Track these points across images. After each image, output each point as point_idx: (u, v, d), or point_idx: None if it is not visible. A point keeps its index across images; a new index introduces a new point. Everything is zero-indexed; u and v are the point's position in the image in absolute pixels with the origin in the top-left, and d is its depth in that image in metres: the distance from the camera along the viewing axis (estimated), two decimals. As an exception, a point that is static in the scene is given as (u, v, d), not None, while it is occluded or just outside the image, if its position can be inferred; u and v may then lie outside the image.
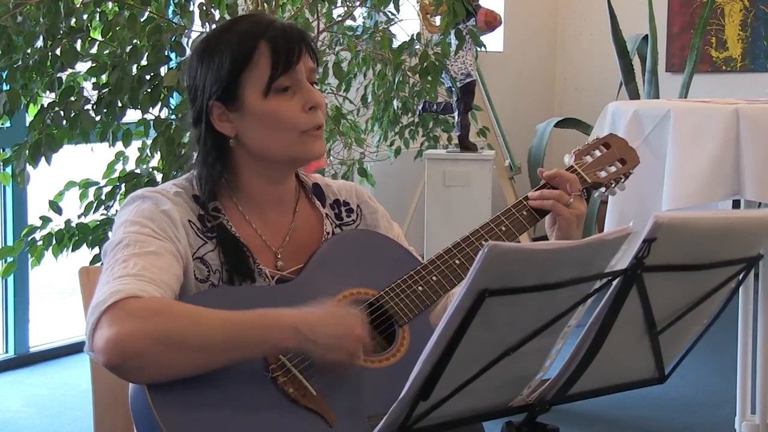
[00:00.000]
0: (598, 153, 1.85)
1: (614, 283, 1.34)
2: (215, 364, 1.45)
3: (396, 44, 3.69)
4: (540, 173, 1.80)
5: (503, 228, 1.73)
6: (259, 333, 1.46)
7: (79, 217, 3.01)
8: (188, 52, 2.88)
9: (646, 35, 5.62)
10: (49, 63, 2.87)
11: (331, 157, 4.11)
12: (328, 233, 1.74)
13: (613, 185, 1.85)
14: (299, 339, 1.47)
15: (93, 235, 2.97)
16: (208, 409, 1.44)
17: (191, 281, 1.61)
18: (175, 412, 1.42)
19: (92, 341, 1.44)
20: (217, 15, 3.07)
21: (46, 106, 2.89)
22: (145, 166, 3.06)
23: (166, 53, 2.89)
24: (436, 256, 1.68)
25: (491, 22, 4.72)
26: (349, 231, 1.78)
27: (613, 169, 1.85)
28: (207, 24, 2.99)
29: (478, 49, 4.27)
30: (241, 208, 1.69)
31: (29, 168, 2.90)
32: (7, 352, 4.32)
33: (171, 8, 3.08)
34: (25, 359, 4.34)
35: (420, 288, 1.64)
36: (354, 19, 3.76)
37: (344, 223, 1.79)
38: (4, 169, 3.14)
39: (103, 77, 2.93)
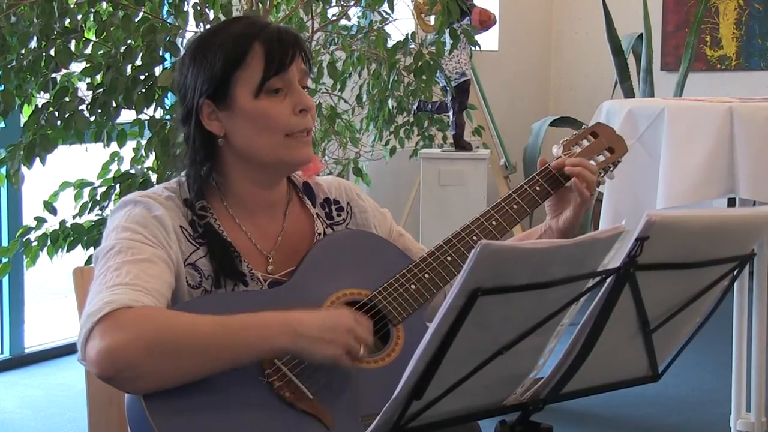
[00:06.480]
0: (586, 143, 1.86)
1: (607, 281, 1.34)
2: (210, 371, 1.45)
3: (391, 43, 3.69)
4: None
5: (494, 222, 1.73)
6: (251, 335, 1.45)
7: (73, 217, 3.01)
8: (182, 52, 2.87)
9: (641, 34, 5.62)
10: (43, 63, 2.87)
11: (326, 157, 4.11)
12: (319, 234, 1.74)
13: (602, 174, 1.85)
14: (292, 335, 1.46)
15: (88, 235, 2.96)
16: (204, 416, 1.43)
17: (183, 288, 1.60)
18: (171, 420, 1.41)
19: (85, 352, 1.43)
20: (211, 15, 3.07)
21: (40, 106, 2.89)
22: (139, 167, 3.05)
23: (160, 53, 2.88)
24: (427, 253, 1.69)
25: (486, 21, 4.72)
26: (340, 231, 1.78)
27: (601, 158, 1.85)
28: (201, 24, 2.99)
29: (473, 48, 4.27)
30: (231, 211, 1.68)
31: (24, 168, 2.90)
32: (2, 353, 4.31)
33: (165, 8, 3.08)
34: (20, 360, 4.33)
35: (413, 286, 1.64)
36: (348, 18, 3.76)
37: (335, 222, 1.79)
38: (-2, 170, 3.14)
39: (98, 77, 2.93)
